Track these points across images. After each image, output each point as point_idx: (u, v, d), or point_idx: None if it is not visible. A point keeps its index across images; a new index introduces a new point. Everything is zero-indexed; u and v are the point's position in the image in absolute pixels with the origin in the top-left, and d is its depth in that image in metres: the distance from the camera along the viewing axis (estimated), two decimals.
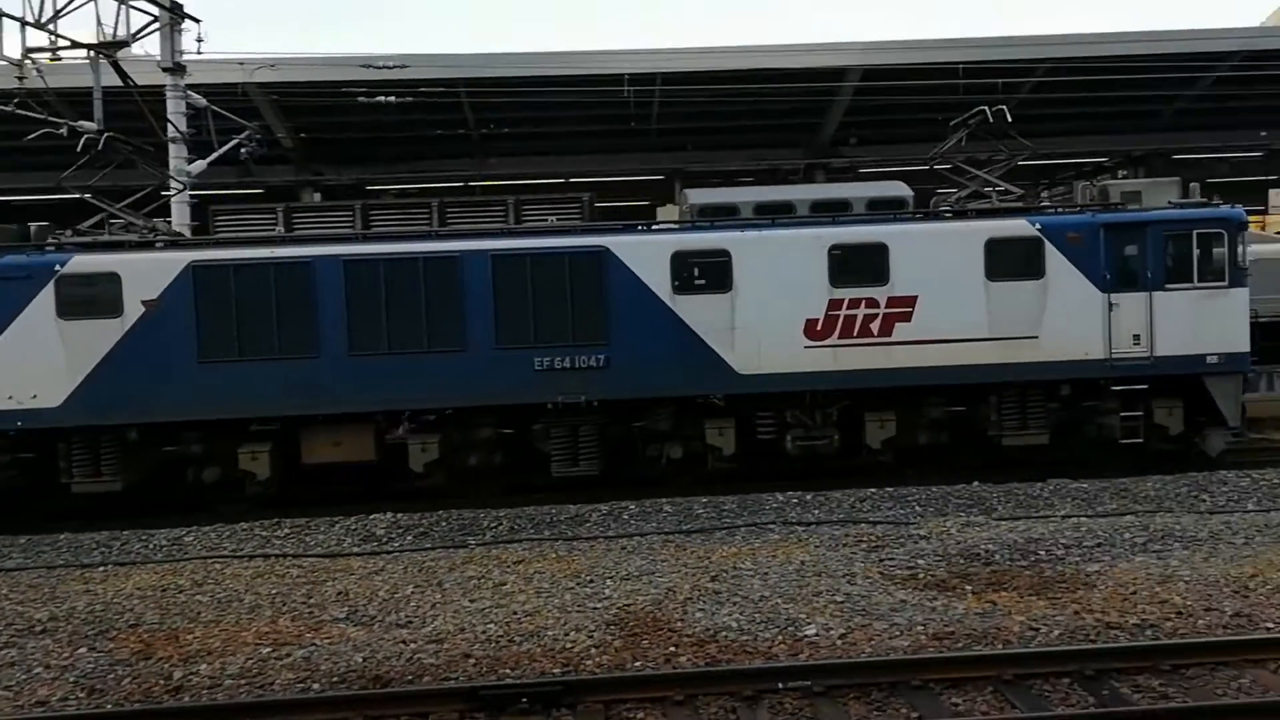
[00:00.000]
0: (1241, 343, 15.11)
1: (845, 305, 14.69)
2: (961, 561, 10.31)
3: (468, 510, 13.36)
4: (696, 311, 14.54)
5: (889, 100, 23.96)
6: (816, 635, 8.31)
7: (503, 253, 14.46)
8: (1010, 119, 15.68)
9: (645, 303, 14.51)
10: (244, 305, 14.08)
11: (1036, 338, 14.82)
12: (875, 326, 14.72)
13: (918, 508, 12.92)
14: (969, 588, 9.42)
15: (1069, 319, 14.85)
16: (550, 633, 8.52)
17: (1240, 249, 15.06)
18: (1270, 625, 8.13)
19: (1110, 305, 14.94)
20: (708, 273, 14.58)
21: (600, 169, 28.27)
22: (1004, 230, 14.93)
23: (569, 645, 8.24)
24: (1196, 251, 14.98)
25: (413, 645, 8.36)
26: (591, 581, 9.97)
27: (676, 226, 15.61)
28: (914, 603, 8.99)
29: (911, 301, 14.74)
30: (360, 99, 21.74)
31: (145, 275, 14.03)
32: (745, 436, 15.17)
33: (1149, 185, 16.17)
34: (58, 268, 13.93)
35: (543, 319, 14.39)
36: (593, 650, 8.13)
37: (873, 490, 13.76)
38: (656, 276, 14.53)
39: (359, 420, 14.56)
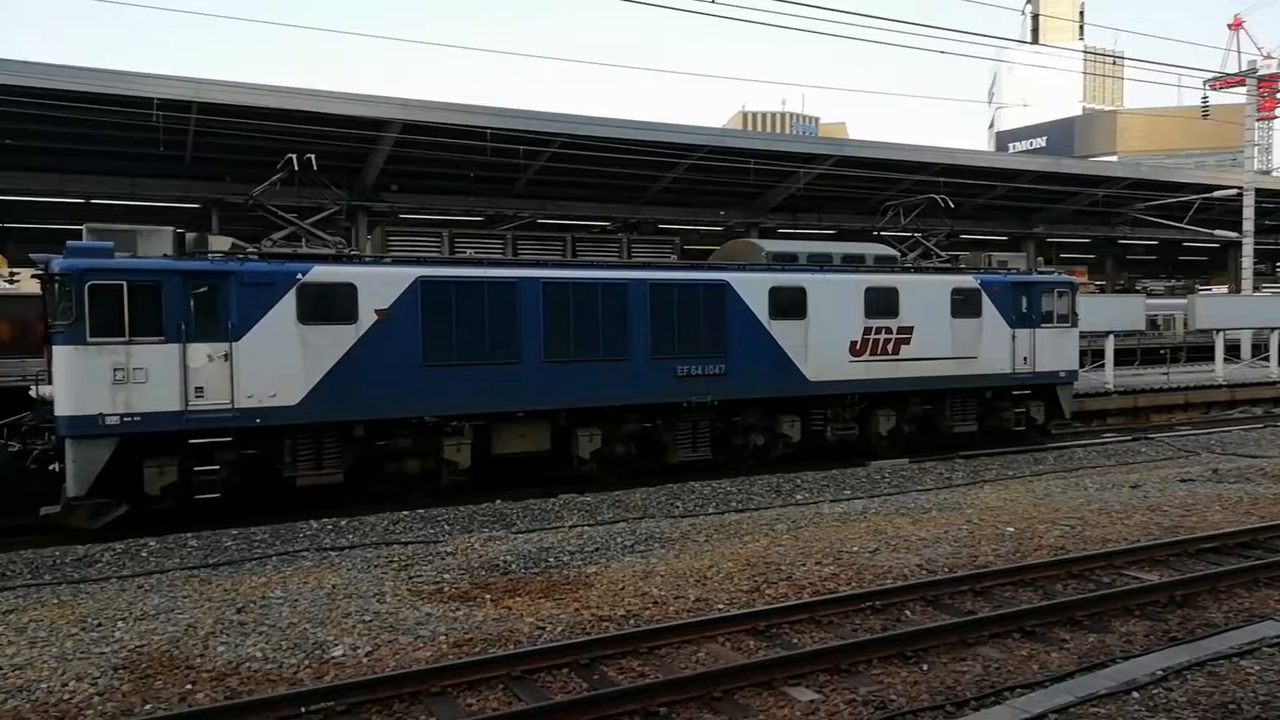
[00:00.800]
0: (1075, 363, 21.42)
1: (873, 331, 18.58)
2: (483, 573, 10.54)
3: None
4: (784, 332, 17.70)
5: (427, 154, 24.17)
6: (344, 656, 7.98)
7: (659, 282, 16.65)
8: (953, 205, 20.52)
9: (752, 325, 17.42)
10: (461, 316, 14.98)
11: (976, 358, 19.71)
12: (890, 347, 18.77)
13: (446, 526, 13.03)
14: (488, 596, 9.65)
15: (993, 346, 19.90)
16: (44, 685, 7.26)
17: (1076, 302, 21.08)
18: (721, 607, 9.28)
19: (1014, 337, 20.14)
20: (792, 304, 17.79)
21: (132, 193, 25.13)
22: (961, 283, 19.71)
23: (66, 697, 7.07)
24: (1056, 303, 20.70)
25: None
26: (99, 625, 8.68)
27: (770, 267, 18.11)
28: (438, 615, 9.00)
29: (910, 330, 18.95)
30: None
31: (379, 286, 14.44)
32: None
33: (1012, 255, 23.54)
34: (299, 276, 13.90)
35: (683, 335, 16.76)
36: (96, 699, 7.06)
37: (405, 513, 13.68)
38: (759, 305, 17.49)
39: (540, 416, 15.86)
